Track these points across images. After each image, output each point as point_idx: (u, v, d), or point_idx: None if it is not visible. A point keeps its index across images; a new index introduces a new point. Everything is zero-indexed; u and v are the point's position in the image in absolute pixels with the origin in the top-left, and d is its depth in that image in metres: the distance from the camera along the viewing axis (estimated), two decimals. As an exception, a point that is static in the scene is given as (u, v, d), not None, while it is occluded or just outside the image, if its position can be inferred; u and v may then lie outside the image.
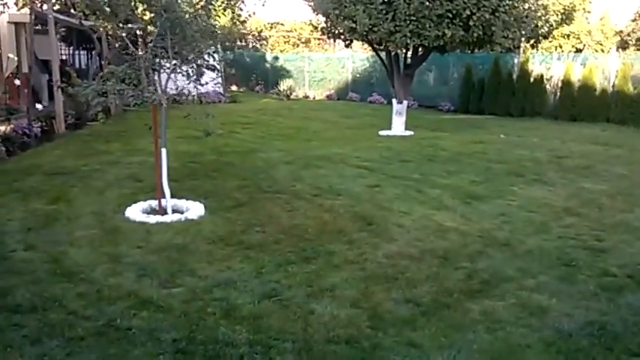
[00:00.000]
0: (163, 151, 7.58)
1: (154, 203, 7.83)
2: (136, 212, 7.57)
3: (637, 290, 5.47)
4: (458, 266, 6.01)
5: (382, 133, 15.63)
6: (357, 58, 27.55)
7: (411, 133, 15.59)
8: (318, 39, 34.64)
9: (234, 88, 30.04)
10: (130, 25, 7.84)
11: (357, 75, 27.07)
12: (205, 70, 7.58)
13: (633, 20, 27.60)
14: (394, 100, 16.21)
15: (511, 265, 6.03)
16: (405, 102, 16.22)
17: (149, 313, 4.78)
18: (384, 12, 13.91)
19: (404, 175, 10.21)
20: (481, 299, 5.25)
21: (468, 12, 13.68)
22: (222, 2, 8.92)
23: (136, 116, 16.23)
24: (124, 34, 7.39)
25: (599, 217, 7.78)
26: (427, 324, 4.77)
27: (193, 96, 8.00)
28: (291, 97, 26.95)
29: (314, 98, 27.48)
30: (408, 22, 13.84)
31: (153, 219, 7.30)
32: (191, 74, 7.44)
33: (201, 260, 6.04)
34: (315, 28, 17.21)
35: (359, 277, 5.73)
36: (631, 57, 19.85)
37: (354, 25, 14.41)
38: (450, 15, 13.71)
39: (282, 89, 27.20)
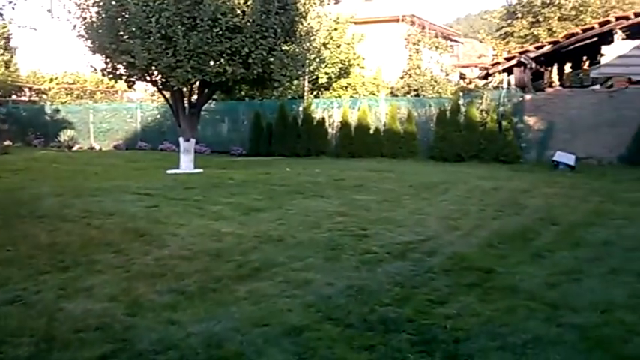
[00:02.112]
0: None
1: None
2: None
3: (393, 261, 5.87)
4: (229, 260, 5.92)
5: (170, 171, 15.22)
6: (146, 107, 26.90)
7: (200, 170, 15.42)
8: (105, 90, 33.25)
9: (7, 143, 27.25)
10: None
11: (147, 124, 26.38)
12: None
13: (401, 77, 30.93)
14: (181, 139, 15.98)
15: (282, 254, 6.11)
16: (193, 140, 16.09)
17: None
18: (163, 46, 13.77)
19: (186, 197, 9.98)
20: (249, 282, 5.20)
21: (246, 50, 14.15)
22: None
23: None
24: None
25: (367, 216, 8.33)
26: (189, 305, 4.58)
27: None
28: (74, 148, 25.26)
29: (100, 149, 26.06)
30: (189, 57, 13.89)
31: None
32: None
33: None
34: (95, 69, 16.41)
35: (122, 277, 5.36)
36: (398, 100, 22.09)
37: (132, 60, 14.06)
38: (230, 52, 14.06)
39: (63, 140, 25.37)
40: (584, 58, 21.33)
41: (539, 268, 5.67)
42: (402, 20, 28.51)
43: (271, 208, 8.92)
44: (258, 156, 21.28)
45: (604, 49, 16.91)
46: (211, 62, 14.14)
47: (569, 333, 4.03)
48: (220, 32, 13.72)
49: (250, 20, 13.95)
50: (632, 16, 16.93)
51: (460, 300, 4.72)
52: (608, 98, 16.70)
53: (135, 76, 15.51)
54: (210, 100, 20.20)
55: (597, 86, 18.09)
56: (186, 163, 15.67)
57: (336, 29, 25.43)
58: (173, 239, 6.82)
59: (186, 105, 16.23)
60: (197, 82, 15.68)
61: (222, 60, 14.07)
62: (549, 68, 20.94)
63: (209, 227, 7.47)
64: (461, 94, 19.87)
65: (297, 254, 6.09)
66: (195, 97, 16.59)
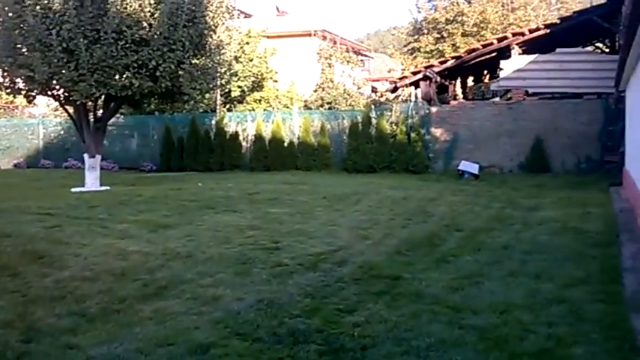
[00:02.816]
0: None
1: None
2: None
3: (305, 273, 5.89)
4: (135, 279, 5.72)
5: (75, 189, 14.55)
6: (48, 123, 25.67)
7: (107, 187, 14.85)
8: (4, 106, 31.42)
9: None
10: None
11: (50, 141, 25.17)
12: None
13: (315, 91, 31.27)
14: (86, 155, 15.33)
15: (191, 271, 5.98)
16: (98, 156, 15.47)
17: None
18: (64, 60, 13.19)
19: (90, 216, 9.56)
20: (155, 301, 5.05)
21: (154, 63, 13.82)
22: None
23: None
24: None
25: (279, 229, 8.32)
26: (90, 328, 4.39)
27: None
28: (-31, 167, 23.72)
29: (-1, 168, 24.61)
30: (92, 71, 13.39)
31: None
32: None
33: None
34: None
35: (18, 302, 5.05)
36: (312, 113, 22.29)
37: (31, 74, 13.38)
38: (136, 65, 13.68)
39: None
40: (485, 72, 22.49)
41: (443, 273, 5.87)
42: (314, 35, 28.96)
43: (181, 225, 8.72)
44: (169, 171, 20.83)
45: (503, 63, 17.88)
46: (117, 76, 13.69)
47: (470, 335, 4.19)
48: (126, 45, 13.33)
49: (157, 33, 13.66)
50: (527, 33, 18.03)
51: (369, 308, 4.79)
52: (508, 110, 17.66)
53: (35, 91, 14.76)
54: (117, 115, 19.57)
55: (497, 99, 19.14)
56: (92, 181, 15.05)
57: (247, 43, 25.41)
58: (75, 260, 6.51)
59: (91, 120, 15.60)
60: (102, 97, 15.13)
61: (128, 73, 13.65)
62: (453, 82, 21.89)
63: (114, 246, 7.19)
64: (372, 106, 20.34)
65: (206, 270, 5.98)
66: (100, 111, 15.99)
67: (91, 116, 15.69)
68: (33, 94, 15.04)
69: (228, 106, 25.72)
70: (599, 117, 16.64)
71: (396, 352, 3.88)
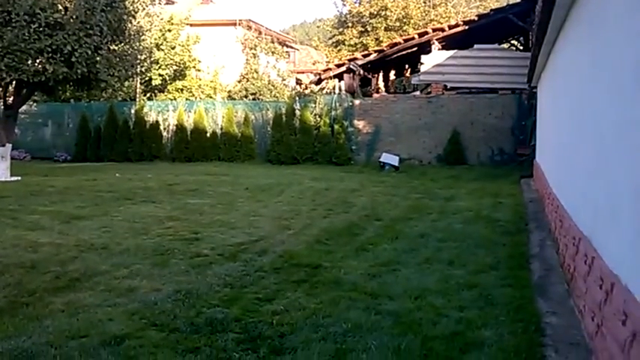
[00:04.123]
0: None
1: None
2: None
3: (224, 263, 5.85)
4: (46, 271, 5.49)
5: (-18, 180, 13.75)
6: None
7: (18, 178, 14.12)
8: None
9: None
10: None
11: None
12: None
13: (239, 81, 30.98)
14: (-5, 144, 14.52)
15: (106, 263, 5.80)
16: (9, 145, 14.68)
17: None
18: (-28, 42, 12.46)
19: (-2, 207, 9.08)
20: (67, 293, 4.87)
21: (69, 48, 13.25)
22: None
23: None
24: None
25: (199, 219, 8.22)
26: (-4, 323, 4.16)
27: None
28: None
29: None
30: (3, 55, 12.67)
31: None
32: None
33: None
34: None
35: None
36: (235, 103, 22.07)
37: None
38: (50, 50, 13.06)
39: None
40: (407, 66, 23.02)
41: (362, 261, 5.99)
42: (239, 24, 28.59)
43: (96, 216, 8.44)
44: (85, 161, 20.08)
45: (423, 57, 18.37)
46: (29, 61, 13.04)
47: (386, 320, 4.30)
48: (39, 28, 12.75)
49: (73, 17, 13.12)
50: (447, 29, 18.59)
51: (288, 296, 4.83)
52: (427, 103, 18.18)
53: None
54: (30, 102, 18.65)
55: (417, 92, 19.64)
56: (2, 171, 14.26)
57: (170, 30, 24.81)
58: (-20, 254, 6.16)
59: (0, 107, 14.78)
60: (13, 82, 14.36)
61: (41, 58, 13.05)
62: (376, 75, 22.27)
63: (24, 238, 6.87)
64: (297, 98, 20.38)
65: (122, 262, 5.82)
66: (11, 98, 15.16)
67: (1, 103, 14.85)
68: None
69: (148, 94, 25.05)
70: (512, 111, 17.43)
71: (314, 338, 3.93)
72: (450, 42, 18.75)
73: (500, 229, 7.62)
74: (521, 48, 21.26)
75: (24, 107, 16.39)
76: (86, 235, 7.03)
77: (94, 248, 6.40)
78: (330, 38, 33.96)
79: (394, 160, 16.74)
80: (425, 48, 18.70)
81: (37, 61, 13.10)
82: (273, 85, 26.18)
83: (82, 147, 20.85)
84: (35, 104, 21.95)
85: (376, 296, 4.84)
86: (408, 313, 4.45)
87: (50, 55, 13.14)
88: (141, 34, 15.38)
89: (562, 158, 6.47)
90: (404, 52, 19.78)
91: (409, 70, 22.73)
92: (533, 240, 6.84)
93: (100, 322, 4.15)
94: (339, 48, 30.86)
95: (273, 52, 28.25)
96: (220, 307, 4.52)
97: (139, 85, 23.53)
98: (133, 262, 5.79)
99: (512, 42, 23.21)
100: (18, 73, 13.12)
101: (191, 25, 26.88)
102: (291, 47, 40.22)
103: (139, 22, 15.15)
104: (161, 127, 20.77)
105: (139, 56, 15.85)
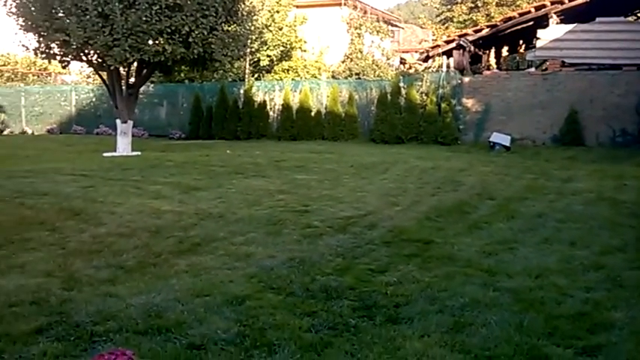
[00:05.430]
0: None
1: None
2: None
3: (335, 234, 5.91)
4: (169, 236, 5.82)
5: (107, 154, 14.77)
6: (81, 90, 25.99)
7: (138, 153, 15.03)
8: (38, 73, 31.89)
9: None
10: None
11: (82, 108, 25.50)
12: None
13: (343, 61, 31.07)
14: (118, 121, 15.51)
15: (223, 230, 6.06)
16: (130, 122, 15.64)
17: None
18: (100, 24, 13.27)
19: (123, 177, 9.72)
20: (190, 256, 5.13)
21: (187, 29, 13.82)
22: None
23: None
24: None
25: (307, 193, 8.35)
26: (128, 279, 4.49)
27: None
28: (4, 132, 24.19)
29: (33, 133, 25.06)
30: (127, 36, 13.45)
31: None
32: None
33: None
34: (27, 48, 15.64)
35: (57, 254, 5.19)
36: (340, 82, 22.13)
37: (67, 39, 13.49)
38: (169, 30, 13.69)
39: (-10, 124, 24.28)
40: (521, 41, 21.94)
41: (476, 239, 5.82)
42: (344, 4, 28.53)
43: (211, 187, 8.80)
44: (197, 139, 20.96)
45: (539, 32, 17.42)
46: (150, 41, 13.74)
47: (505, 297, 4.16)
48: (160, 10, 13.36)
49: (191, -2, 13.63)
50: (567, 1, 17.48)
51: (400, 269, 4.79)
52: (543, 81, 17.27)
53: (70, 56, 14.89)
54: (148, 83, 19.69)
55: (532, 69, 18.69)
56: (124, 146, 15.24)
57: (278, 11, 25.21)
58: (110, 217, 6.63)
59: (123, 86, 15.74)
60: (135, 62, 15.23)
61: (161, 39, 13.70)
62: (487, 51, 21.44)
63: (148, 205, 7.31)
64: (401, 77, 20.08)
65: (238, 230, 6.04)
66: (133, 78, 16.09)
67: (124, 83, 15.81)
68: (68, 59, 15.18)
69: (256, 75, 25.67)
70: (638, 89, 16.13)
71: (430, 310, 3.88)
72: (569, 15, 17.62)
73: (627, 211, 7.12)
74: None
75: (142, 88, 17.34)
76: (204, 205, 7.36)
77: (212, 216, 6.68)
78: (437, 15, 33.12)
79: (505, 140, 16.09)
80: (541, 22, 17.71)
81: (158, 41, 13.77)
82: (377, 65, 25.92)
83: (195, 125, 21.79)
84: (152, 85, 23.19)
85: (493, 273, 4.68)
86: (529, 291, 4.28)
87: (169, 35, 13.77)
88: (252, 14, 15.75)
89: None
90: (518, 27, 18.87)
91: (523, 45, 21.65)
92: (665, 223, 6.35)
93: (222, 283, 4.34)
94: (446, 25, 30.04)
95: (377, 32, 27.95)
96: (334, 275, 4.57)
97: (247, 66, 24.16)
98: (248, 231, 5.99)
99: (640, 14, 21.46)
100: (140, 53, 13.86)
101: (297, 6, 27.18)
102: (396, 26, 39.60)
103: (251, 3, 15.51)
104: (268, 107, 21.24)
105: (250, 36, 16.23)
